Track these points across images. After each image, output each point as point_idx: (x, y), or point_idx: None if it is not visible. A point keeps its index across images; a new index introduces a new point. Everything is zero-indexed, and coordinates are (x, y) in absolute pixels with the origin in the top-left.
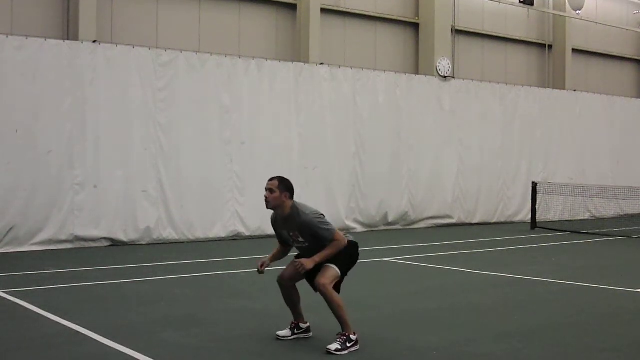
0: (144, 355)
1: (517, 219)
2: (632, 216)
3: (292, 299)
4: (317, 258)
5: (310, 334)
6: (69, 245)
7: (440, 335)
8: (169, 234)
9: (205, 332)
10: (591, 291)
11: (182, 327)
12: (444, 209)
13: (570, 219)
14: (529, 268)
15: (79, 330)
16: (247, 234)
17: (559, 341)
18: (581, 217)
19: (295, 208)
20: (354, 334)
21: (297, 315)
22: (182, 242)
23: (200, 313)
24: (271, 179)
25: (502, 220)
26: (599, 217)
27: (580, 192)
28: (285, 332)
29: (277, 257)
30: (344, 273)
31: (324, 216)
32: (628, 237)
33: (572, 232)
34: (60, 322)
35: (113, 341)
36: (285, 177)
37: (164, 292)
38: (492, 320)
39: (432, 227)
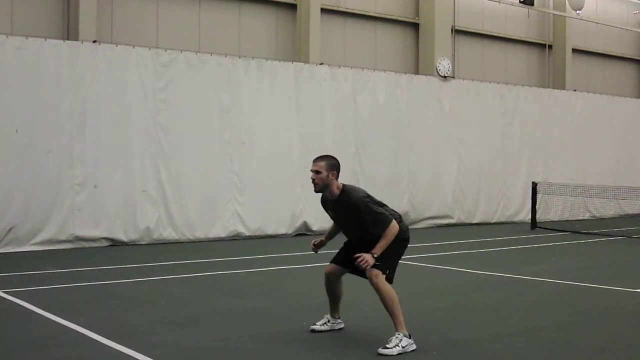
0: (144, 355)
1: (517, 219)
2: (632, 216)
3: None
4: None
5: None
6: (69, 245)
7: (440, 335)
8: (169, 234)
9: (205, 332)
10: (591, 291)
11: (182, 327)
12: (444, 209)
13: (570, 219)
14: (529, 268)
15: (79, 330)
16: (247, 234)
17: (559, 341)
18: (581, 217)
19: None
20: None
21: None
22: (182, 242)
23: (200, 313)
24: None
25: (502, 220)
26: (599, 217)
27: (580, 192)
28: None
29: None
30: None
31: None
32: (628, 237)
33: (572, 232)
34: (60, 322)
35: (113, 341)
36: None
37: (164, 292)
38: (492, 320)
39: (432, 227)
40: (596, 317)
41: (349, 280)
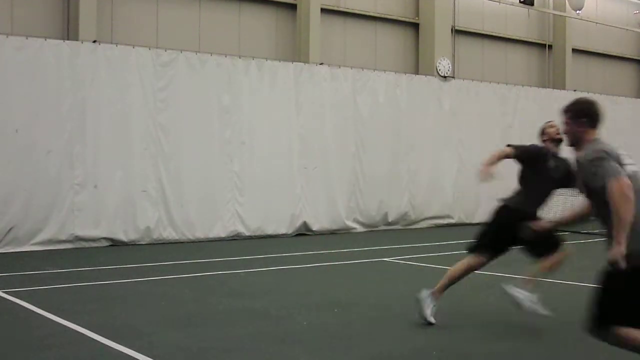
0: (144, 355)
1: None
2: None
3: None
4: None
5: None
6: (69, 245)
7: (440, 335)
8: (169, 234)
9: (205, 332)
10: (591, 291)
11: (182, 327)
12: (444, 209)
13: None
14: (529, 268)
15: (79, 330)
16: (247, 234)
17: (559, 341)
18: None
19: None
20: None
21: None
22: (182, 242)
23: (200, 313)
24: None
25: None
26: None
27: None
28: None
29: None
30: None
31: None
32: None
33: (572, 232)
34: (60, 322)
35: (113, 341)
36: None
37: (164, 292)
38: (492, 320)
39: (432, 227)
40: None
41: (351, 280)
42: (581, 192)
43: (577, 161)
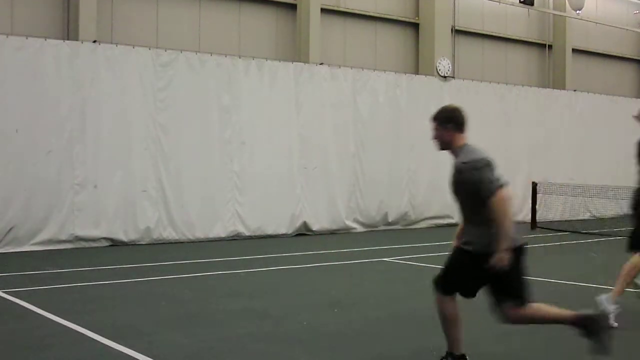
0: (144, 355)
1: (517, 218)
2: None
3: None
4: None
5: None
6: (69, 245)
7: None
8: (169, 234)
9: (205, 332)
10: (591, 291)
11: (182, 327)
12: (444, 209)
13: (570, 219)
14: (529, 268)
15: (79, 330)
16: (247, 234)
17: (559, 341)
18: (581, 217)
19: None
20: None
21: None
22: (182, 242)
23: (200, 313)
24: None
25: None
26: (599, 217)
27: (580, 192)
28: None
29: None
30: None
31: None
32: (628, 237)
33: (572, 232)
34: (60, 322)
35: (113, 341)
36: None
37: (164, 292)
38: (492, 320)
39: (432, 227)
40: None
41: (351, 280)
42: (456, 194)
43: (456, 166)
